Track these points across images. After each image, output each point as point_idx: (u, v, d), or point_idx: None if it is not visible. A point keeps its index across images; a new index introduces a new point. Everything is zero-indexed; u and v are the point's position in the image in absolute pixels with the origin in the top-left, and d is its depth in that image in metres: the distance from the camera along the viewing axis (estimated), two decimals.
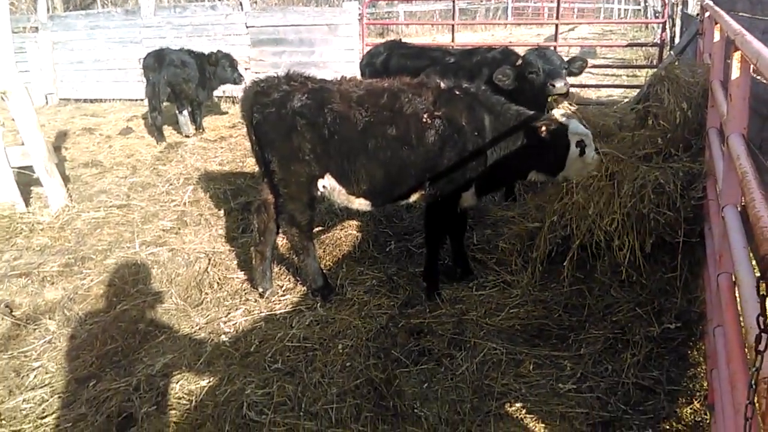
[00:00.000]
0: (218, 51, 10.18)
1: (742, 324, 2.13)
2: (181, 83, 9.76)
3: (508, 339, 4.05)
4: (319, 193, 4.54)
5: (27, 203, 6.83)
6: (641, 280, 4.19)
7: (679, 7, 11.87)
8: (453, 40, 11.96)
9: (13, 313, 4.69)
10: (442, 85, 4.41)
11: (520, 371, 3.73)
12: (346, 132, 4.27)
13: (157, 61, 9.70)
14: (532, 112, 4.46)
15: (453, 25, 12.15)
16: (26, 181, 6.99)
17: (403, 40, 9.22)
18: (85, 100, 14.26)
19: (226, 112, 12.00)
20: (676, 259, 4.10)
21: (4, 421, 3.57)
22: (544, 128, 4.20)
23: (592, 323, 4.10)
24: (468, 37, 23.97)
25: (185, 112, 10.21)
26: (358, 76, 7.89)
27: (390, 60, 7.58)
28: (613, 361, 3.73)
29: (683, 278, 4.10)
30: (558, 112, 4.39)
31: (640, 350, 3.74)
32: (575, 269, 4.41)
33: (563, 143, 4.24)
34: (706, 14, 5.18)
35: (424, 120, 4.24)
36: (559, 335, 4.06)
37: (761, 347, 1.49)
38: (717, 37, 4.23)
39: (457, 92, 4.38)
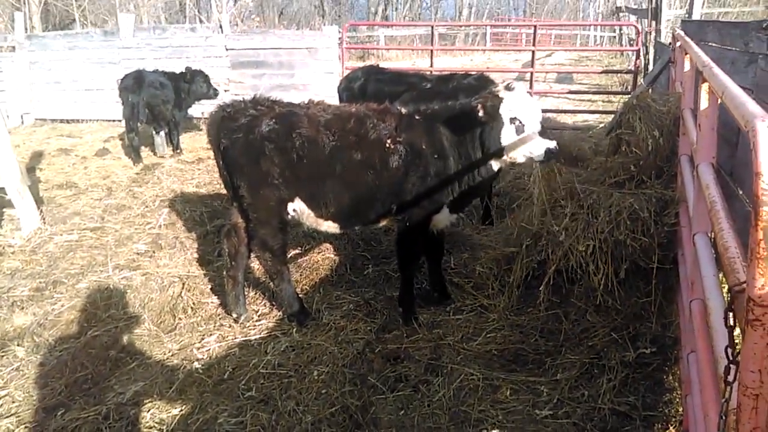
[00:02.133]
0: (187, 67, 10.24)
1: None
2: (160, 104, 9.75)
3: (485, 364, 4.04)
4: (289, 216, 4.52)
5: None
6: (616, 305, 4.23)
7: (653, 35, 12.13)
8: (432, 65, 12.10)
9: None
10: (404, 110, 4.42)
11: (497, 397, 3.71)
12: (314, 156, 4.26)
13: (136, 83, 9.68)
14: (470, 100, 4.33)
15: (432, 50, 12.31)
16: None
17: (382, 65, 9.30)
18: (61, 121, 14.11)
19: (204, 134, 11.92)
20: (651, 285, 4.15)
21: None
22: (480, 109, 4.06)
23: (568, 348, 4.11)
24: (447, 62, 24.25)
25: (162, 134, 10.19)
26: (337, 100, 7.94)
27: (367, 85, 7.62)
28: (589, 387, 3.73)
29: (657, 303, 4.15)
30: (502, 85, 4.21)
31: (616, 375, 3.75)
32: (551, 294, 4.43)
33: (498, 120, 4.08)
34: (678, 44, 5.30)
35: (387, 145, 4.24)
36: (535, 360, 4.06)
37: (730, 378, 1.50)
38: (687, 66, 4.33)
39: (417, 117, 4.37)
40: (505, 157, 4.20)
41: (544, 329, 4.34)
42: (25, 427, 3.66)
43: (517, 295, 4.61)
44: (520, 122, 4.04)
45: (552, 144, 4.04)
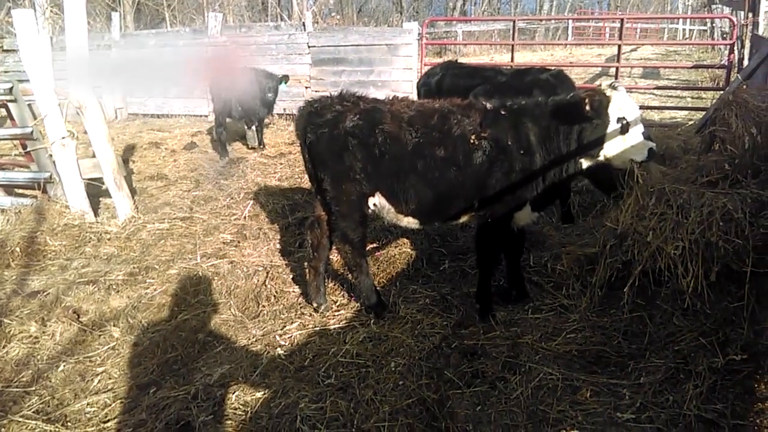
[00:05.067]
0: (258, 72, 10.33)
1: None
2: (250, 100, 10.09)
3: (565, 365, 3.97)
4: (369, 210, 4.59)
5: (96, 213, 7.13)
6: (705, 309, 4.04)
7: (749, 28, 11.50)
8: (512, 60, 11.94)
9: (80, 319, 4.88)
10: (488, 105, 4.38)
11: (576, 398, 3.64)
12: (396, 152, 4.30)
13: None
14: (567, 95, 4.37)
15: (512, 45, 12.13)
16: (96, 192, 7.32)
17: (460, 61, 9.27)
18: (152, 116, 14.84)
19: (286, 129, 12.27)
20: (743, 289, 3.94)
21: (69, 424, 3.72)
22: (587, 104, 4.03)
23: (652, 351, 3.98)
24: (527, 57, 23.85)
25: (253, 128, 10.60)
26: (415, 95, 7.98)
27: (444, 80, 7.63)
28: (674, 392, 3.61)
29: (750, 308, 3.93)
30: (606, 83, 4.21)
31: (704, 381, 3.60)
32: (636, 296, 4.29)
33: (604, 118, 4.08)
34: None
35: (472, 141, 4.22)
36: (617, 363, 3.96)
37: None
38: None
39: (503, 112, 4.32)
40: (600, 157, 4.19)
41: (627, 332, 4.22)
42: (121, 402, 3.89)
43: (599, 295, 4.50)
44: (627, 122, 4.04)
45: (653, 144, 4.07)
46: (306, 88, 13.31)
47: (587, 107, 4.04)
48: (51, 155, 6.91)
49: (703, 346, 3.87)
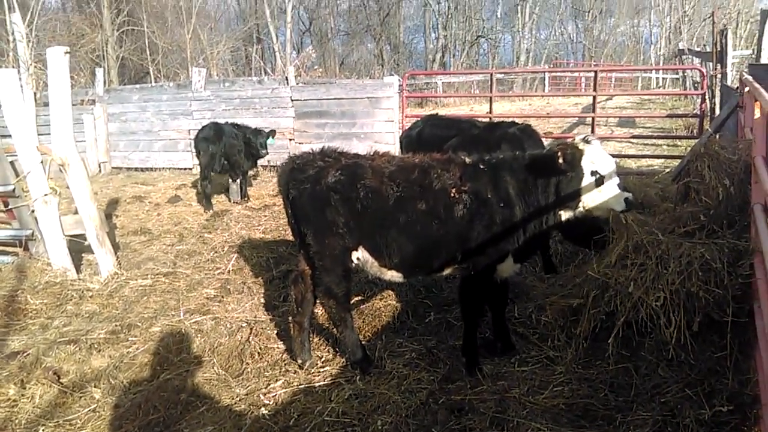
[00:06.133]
0: (246, 129, 10.61)
1: None
2: (236, 154, 10.27)
3: (553, 419, 3.93)
4: (353, 264, 4.60)
5: (78, 270, 7.04)
6: (689, 359, 4.06)
7: (718, 78, 11.90)
8: (491, 111, 12.19)
9: (61, 380, 4.76)
10: (468, 160, 4.48)
11: None
12: (378, 206, 4.35)
13: (215, 134, 10.21)
14: (543, 150, 4.50)
15: (491, 97, 12.40)
16: (78, 248, 7.24)
17: (440, 113, 9.55)
18: (136, 169, 14.86)
19: (270, 181, 12.33)
20: (725, 339, 3.98)
21: None
22: (560, 157, 4.15)
23: (639, 404, 3.97)
24: (505, 108, 24.36)
25: (238, 180, 10.70)
26: (398, 146, 8.14)
27: (424, 131, 7.87)
28: None
29: (733, 358, 3.97)
30: (579, 137, 4.36)
31: None
32: (620, 347, 4.31)
33: (578, 171, 4.22)
34: (746, 89, 5.20)
35: (452, 195, 4.30)
36: (605, 416, 3.93)
37: None
38: (757, 113, 4.24)
39: (482, 166, 4.42)
40: (580, 208, 4.31)
41: (613, 383, 4.22)
42: None
43: (584, 347, 4.51)
44: (601, 175, 4.18)
45: (630, 195, 4.23)
46: (290, 140, 13.46)
47: (560, 160, 4.16)
48: (33, 212, 6.87)
49: (690, 398, 3.86)
